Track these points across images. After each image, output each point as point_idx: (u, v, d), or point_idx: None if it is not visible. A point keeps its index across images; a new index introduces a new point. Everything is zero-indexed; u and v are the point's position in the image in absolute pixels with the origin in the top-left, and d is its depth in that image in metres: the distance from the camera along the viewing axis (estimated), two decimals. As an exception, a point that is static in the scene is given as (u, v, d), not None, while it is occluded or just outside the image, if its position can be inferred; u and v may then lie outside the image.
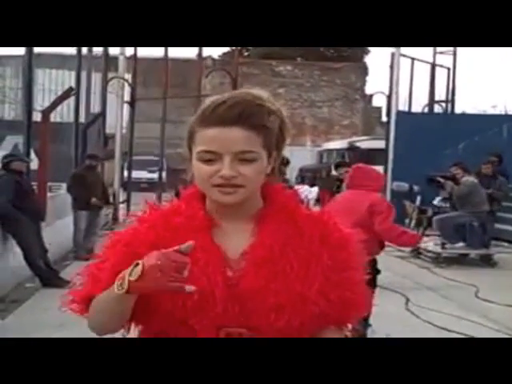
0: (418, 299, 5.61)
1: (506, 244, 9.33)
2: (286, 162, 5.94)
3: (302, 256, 1.20)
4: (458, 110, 17.84)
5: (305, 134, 27.99)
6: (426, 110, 16.39)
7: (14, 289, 5.74)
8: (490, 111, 24.20)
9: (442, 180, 8.52)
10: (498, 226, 9.45)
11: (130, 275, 1.10)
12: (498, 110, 25.93)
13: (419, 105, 17.41)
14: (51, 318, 4.52)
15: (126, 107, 12.96)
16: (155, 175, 16.82)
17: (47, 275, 5.77)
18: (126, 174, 13.61)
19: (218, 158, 1.16)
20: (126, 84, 12.70)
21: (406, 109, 15.75)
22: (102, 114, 11.55)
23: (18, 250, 5.74)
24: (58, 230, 7.40)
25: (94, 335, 1.24)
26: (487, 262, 7.99)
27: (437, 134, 11.80)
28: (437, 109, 17.03)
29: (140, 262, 1.10)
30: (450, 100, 17.09)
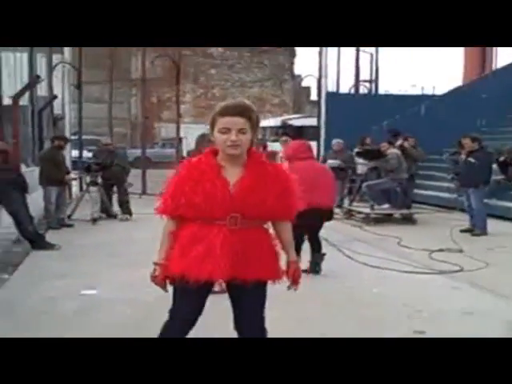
0: (352, 248, 6.84)
1: (423, 206, 10.88)
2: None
3: (267, 183, 2.45)
4: (381, 89, 19.52)
5: (238, 113, 28.74)
6: (353, 90, 17.93)
7: (3, 253, 6.44)
8: (410, 90, 26.58)
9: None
10: (416, 191, 11.08)
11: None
12: (417, 88, 28.62)
13: (347, 86, 19.25)
14: (53, 270, 5.49)
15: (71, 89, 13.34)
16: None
17: (37, 239, 6.52)
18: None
19: (229, 131, 2.38)
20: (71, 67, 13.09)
21: (335, 89, 17.18)
22: (55, 97, 11.97)
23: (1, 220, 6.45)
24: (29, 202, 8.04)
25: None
26: (409, 220, 9.39)
27: (363, 113, 13.23)
28: (362, 89, 18.65)
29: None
30: (374, 80, 18.74)
